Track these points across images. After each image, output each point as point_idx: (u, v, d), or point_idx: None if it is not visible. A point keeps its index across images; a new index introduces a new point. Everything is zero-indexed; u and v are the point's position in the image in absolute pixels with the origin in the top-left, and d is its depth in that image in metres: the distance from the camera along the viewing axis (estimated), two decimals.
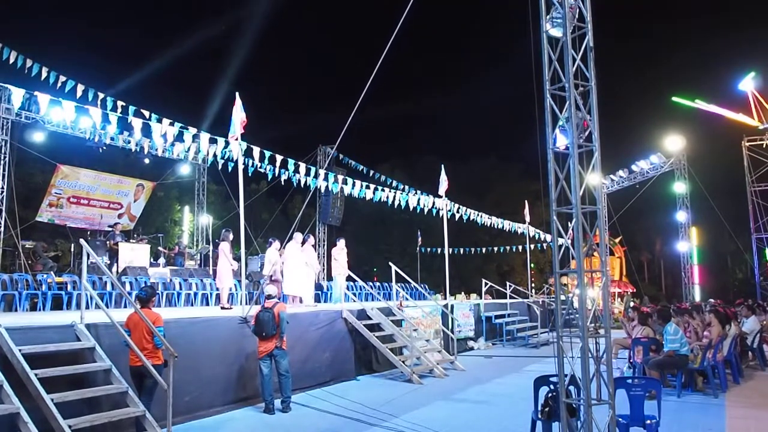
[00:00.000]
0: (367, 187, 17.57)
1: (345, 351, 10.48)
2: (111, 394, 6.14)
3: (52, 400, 5.44)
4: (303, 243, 11.61)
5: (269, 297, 8.25)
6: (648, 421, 5.41)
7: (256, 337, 7.95)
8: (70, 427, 5.35)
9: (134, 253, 14.60)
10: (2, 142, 15.12)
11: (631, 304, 21.30)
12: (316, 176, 16.56)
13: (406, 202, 18.42)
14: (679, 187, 25.94)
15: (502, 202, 35.03)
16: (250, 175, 15.88)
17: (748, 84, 24.34)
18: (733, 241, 27.68)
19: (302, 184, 16.39)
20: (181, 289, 13.61)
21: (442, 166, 15.32)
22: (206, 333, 7.97)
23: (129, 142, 17.21)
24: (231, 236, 10.96)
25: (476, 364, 12.69)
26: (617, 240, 29.73)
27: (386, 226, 36.78)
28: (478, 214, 22.36)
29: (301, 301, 11.48)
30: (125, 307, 10.57)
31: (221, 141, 13.17)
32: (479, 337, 15.90)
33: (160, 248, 17.94)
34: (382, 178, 20.42)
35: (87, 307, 7.04)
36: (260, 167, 15.89)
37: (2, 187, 15.13)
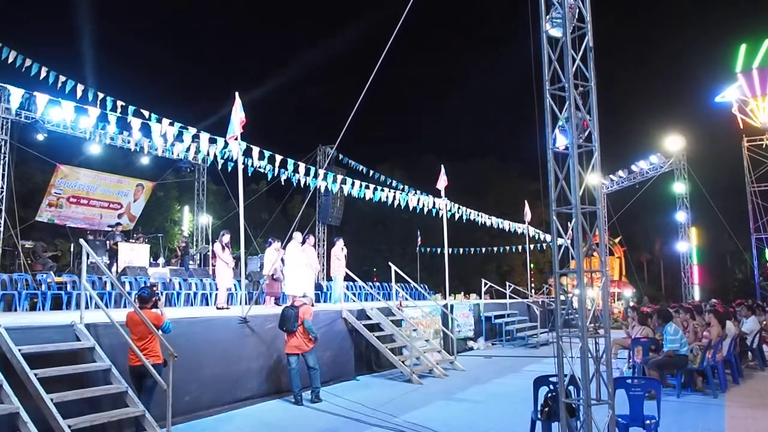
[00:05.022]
0: (367, 186, 17.58)
1: (345, 351, 10.49)
2: (110, 393, 6.14)
3: (52, 399, 5.44)
4: (303, 242, 11.61)
5: (304, 296, 9.02)
6: (647, 421, 5.41)
7: (280, 330, 8.53)
8: (69, 426, 5.35)
9: (134, 253, 14.58)
10: (2, 141, 15.11)
11: (631, 303, 21.31)
12: (315, 176, 16.56)
13: (406, 202, 18.42)
14: (679, 187, 25.94)
15: (501, 202, 35.02)
16: (249, 174, 15.90)
17: (733, 92, 24.70)
18: (733, 241, 27.67)
19: (302, 184, 16.40)
20: (180, 289, 13.60)
21: (442, 165, 15.35)
22: (206, 333, 7.98)
23: (129, 142, 17.21)
24: (226, 237, 10.97)
25: (476, 364, 12.69)
26: (617, 240, 29.75)
27: (386, 226, 36.79)
28: (477, 214, 22.37)
29: None
30: (125, 306, 10.56)
31: (221, 141, 13.17)
32: (479, 337, 15.90)
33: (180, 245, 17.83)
34: (382, 177, 20.42)
35: (86, 307, 7.03)
36: (260, 167, 15.91)
37: (2, 187, 15.11)
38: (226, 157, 16.68)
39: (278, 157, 14.29)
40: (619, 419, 5.27)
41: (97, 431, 5.85)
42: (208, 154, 15.41)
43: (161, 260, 16.69)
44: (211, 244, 18.46)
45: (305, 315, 8.46)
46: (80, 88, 13.36)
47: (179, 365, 6.35)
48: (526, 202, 21.55)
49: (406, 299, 13.36)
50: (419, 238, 25.34)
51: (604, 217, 26.05)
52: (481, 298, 19.24)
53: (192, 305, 13.34)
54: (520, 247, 26.07)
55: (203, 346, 7.78)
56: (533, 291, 23.37)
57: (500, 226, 24.41)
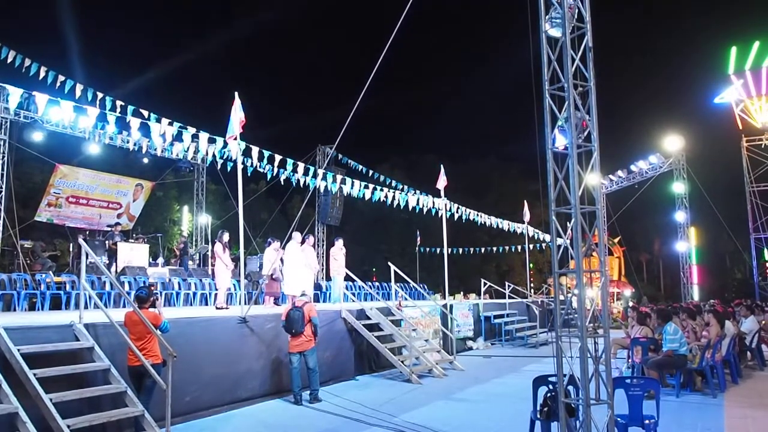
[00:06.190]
0: (366, 186, 17.57)
1: (344, 351, 10.49)
2: (110, 393, 6.13)
3: (51, 399, 5.43)
4: (302, 242, 11.61)
5: (303, 295, 8.93)
6: (646, 421, 5.41)
7: (287, 333, 8.48)
8: (68, 426, 5.34)
9: (133, 253, 14.58)
10: (1, 141, 15.10)
11: (630, 303, 21.32)
12: (315, 176, 16.55)
13: (406, 201, 18.42)
14: (678, 187, 25.96)
15: (501, 202, 35.06)
16: (249, 174, 15.88)
17: (732, 94, 24.85)
18: (732, 241, 27.71)
19: (301, 184, 16.39)
20: (179, 289, 13.60)
21: (441, 165, 15.37)
22: (205, 333, 7.97)
23: (128, 142, 17.21)
24: (226, 237, 10.97)
25: (475, 364, 12.69)
26: (616, 240, 29.78)
27: (385, 226, 36.79)
28: (477, 214, 22.38)
29: None
30: (124, 306, 10.56)
31: (220, 140, 13.17)
32: (478, 337, 15.90)
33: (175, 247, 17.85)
34: (382, 177, 20.42)
35: (86, 307, 7.02)
36: (259, 167, 15.90)
37: (1, 187, 15.10)
38: (225, 156, 16.67)
39: (277, 157, 14.28)
40: (618, 419, 5.27)
41: (96, 431, 5.85)
42: (207, 154, 15.40)
43: (160, 260, 16.68)
44: (210, 244, 18.46)
45: (311, 313, 8.47)
46: (79, 87, 13.35)
47: (178, 365, 6.34)
48: (525, 202, 21.55)
49: (406, 299, 13.36)
50: (419, 238, 25.37)
51: (604, 217, 26.06)
52: (480, 297, 19.25)
53: (191, 305, 13.34)
54: (519, 247, 26.09)
55: (202, 346, 7.77)
56: (532, 291, 23.38)
57: (500, 226, 24.43)
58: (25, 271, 13.81)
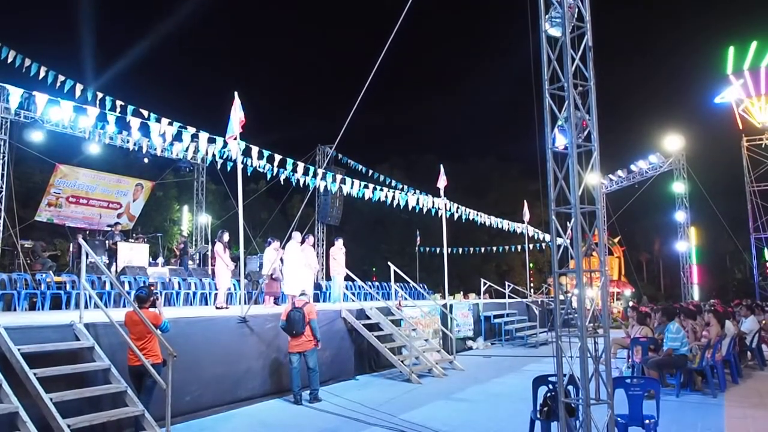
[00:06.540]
0: (366, 186, 17.57)
1: (344, 350, 10.49)
2: (110, 393, 6.14)
3: (51, 399, 5.43)
4: (302, 242, 11.61)
5: (302, 294, 8.93)
6: (647, 421, 5.41)
7: (286, 334, 8.47)
8: (69, 426, 5.34)
9: (133, 253, 14.58)
10: (1, 141, 15.09)
11: (630, 303, 21.31)
12: (314, 176, 16.55)
13: (406, 201, 18.43)
14: (678, 187, 25.94)
15: (501, 202, 35.04)
16: (248, 174, 15.89)
17: (732, 93, 24.87)
18: (732, 241, 27.68)
19: (301, 184, 16.39)
20: (179, 288, 13.59)
21: (441, 165, 15.36)
22: (205, 333, 7.97)
23: (128, 142, 17.21)
24: (226, 237, 10.98)
25: (475, 363, 12.69)
26: (616, 240, 29.77)
27: (385, 226, 36.79)
28: (477, 214, 22.38)
29: None
30: (124, 306, 10.56)
31: (220, 140, 13.17)
32: (478, 337, 15.90)
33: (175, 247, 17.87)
34: (381, 177, 20.42)
35: (86, 307, 7.03)
36: (259, 167, 15.90)
37: (1, 187, 15.10)
38: (225, 156, 16.67)
39: (277, 157, 14.29)
40: (618, 419, 5.26)
41: (96, 431, 5.85)
42: (207, 154, 15.40)
43: (160, 260, 16.68)
44: (210, 243, 18.45)
45: (311, 315, 8.47)
46: (79, 87, 13.36)
47: (178, 365, 6.35)
48: (525, 201, 21.55)
49: (406, 299, 13.36)
50: (418, 238, 25.36)
51: (604, 217, 26.05)
52: (480, 297, 19.24)
53: (191, 305, 13.34)
54: (519, 247, 26.09)
55: (202, 346, 7.77)
56: (532, 290, 23.37)
57: (499, 226, 24.43)
58: (26, 271, 13.81)
